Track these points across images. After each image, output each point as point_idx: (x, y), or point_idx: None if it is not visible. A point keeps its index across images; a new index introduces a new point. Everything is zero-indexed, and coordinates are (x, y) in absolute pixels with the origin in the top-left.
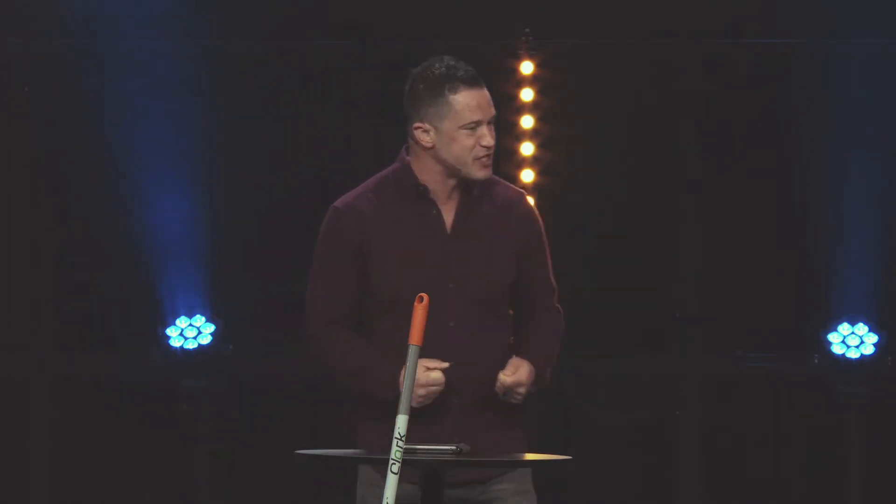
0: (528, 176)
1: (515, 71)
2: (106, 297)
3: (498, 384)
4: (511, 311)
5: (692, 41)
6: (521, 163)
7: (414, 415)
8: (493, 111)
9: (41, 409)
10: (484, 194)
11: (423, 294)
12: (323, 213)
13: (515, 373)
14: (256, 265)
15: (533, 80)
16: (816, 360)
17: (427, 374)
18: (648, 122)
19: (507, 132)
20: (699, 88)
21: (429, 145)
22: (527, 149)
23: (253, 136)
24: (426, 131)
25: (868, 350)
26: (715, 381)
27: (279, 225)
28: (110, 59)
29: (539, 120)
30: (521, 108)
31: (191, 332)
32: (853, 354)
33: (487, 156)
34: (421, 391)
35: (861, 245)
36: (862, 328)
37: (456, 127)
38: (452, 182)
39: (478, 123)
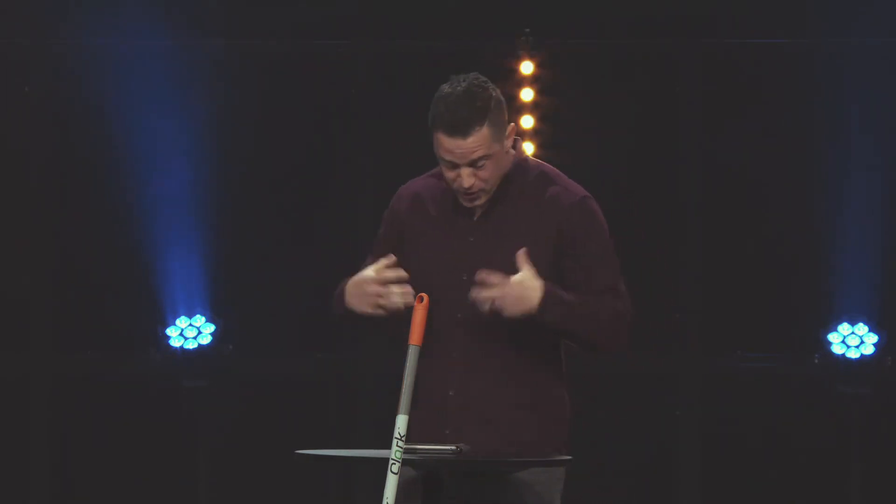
0: None
1: (515, 71)
2: (106, 298)
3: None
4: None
5: (692, 41)
6: None
7: (412, 409)
8: (475, 155)
9: (41, 409)
10: (530, 193)
11: (422, 294)
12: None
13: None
14: (256, 266)
15: (533, 80)
16: (816, 360)
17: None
18: (648, 122)
19: None
20: (699, 88)
21: None
22: (527, 148)
23: (254, 136)
24: None
25: (868, 350)
26: (715, 381)
27: (279, 225)
28: (110, 60)
29: (539, 120)
30: (521, 108)
31: (191, 332)
32: (853, 354)
33: (467, 194)
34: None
35: (861, 245)
36: (862, 328)
37: (439, 156)
38: None
39: (451, 162)
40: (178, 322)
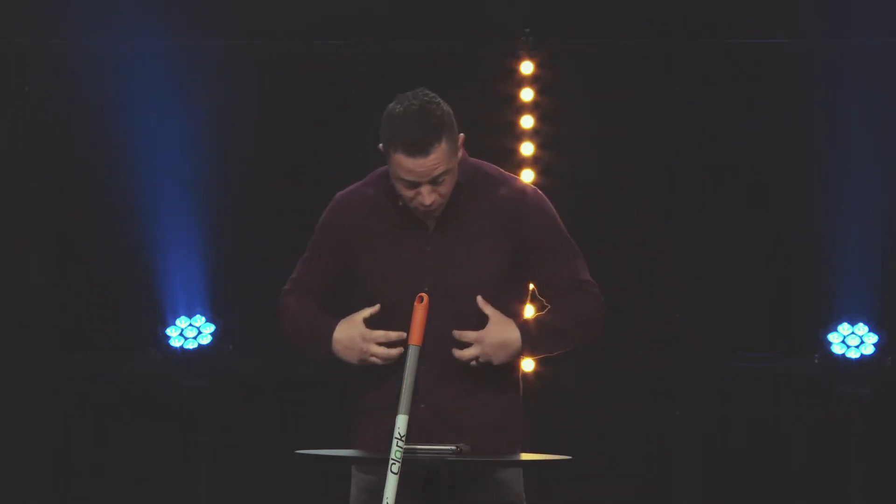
0: (528, 176)
1: (515, 71)
2: (106, 298)
3: (455, 334)
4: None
5: (692, 41)
6: (521, 163)
7: (383, 416)
8: (436, 172)
9: (41, 409)
10: (478, 195)
11: (422, 294)
12: (323, 213)
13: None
14: (256, 265)
15: (533, 81)
16: (816, 360)
17: (383, 350)
18: (648, 122)
19: (506, 132)
20: (699, 88)
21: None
22: (527, 149)
23: (254, 136)
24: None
25: (868, 350)
26: (715, 381)
27: (279, 225)
28: (110, 60)
29: (539, 120)
30: (521, 108)
31: (191, 332)
32: (853, 354)
33: (426, 210)
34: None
35: (861, 245)
36: (862, 328)
37: (395, 177)
38: None
39: (414, 184)
40: (178, 322)
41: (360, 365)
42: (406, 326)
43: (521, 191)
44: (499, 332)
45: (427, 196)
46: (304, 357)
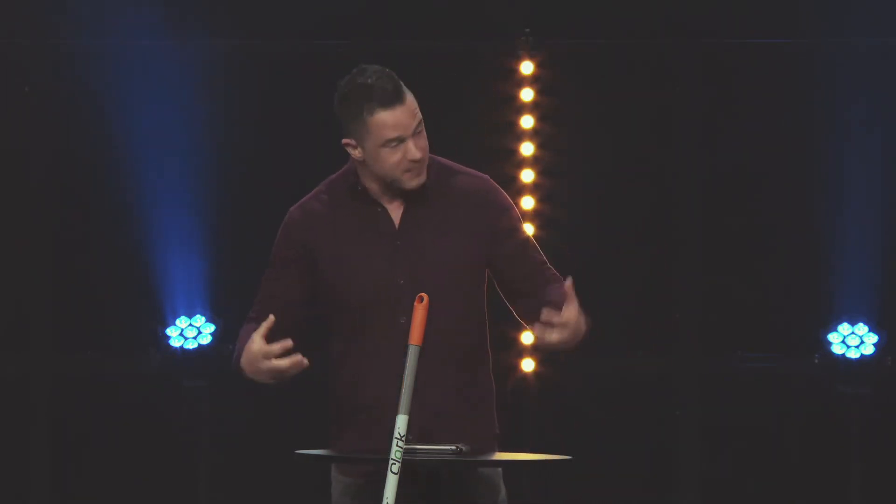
0: (528, 176)
1: (515, 71)
2: (106, 298)
3: (543, 316)
4: (483, 313)
5: (692, 41)
6: (521, 163)
7: (366, 414)
8: (415, 121)
9: (41, 409)
10: (438, 187)
11: (422, 294)
12: (278, 231)
13: (566, 311)
14: (257, 265)
15: (533, 81)
16: (816, 360)
17: (273, 363)
18: (648, 122)
19: (507, 132)
20: (699, 88)
21: (360, 159)
22: (527, 149)
23: (253, 135)
24: (354, 147)
25: (868, 350)
26: (715, 381)
27: (279, 225)
28: (110, 60)
29: (539, 120)
30: (521, 108)
31: (191, 332)
32: (853, 354)
33: (417, 167)
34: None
35: (861, 245)
36: (862, 328)
37: (378, 146)
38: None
39: (397, 139)
40: (178, 322)
41: (277, 382)
42: (382, 327)
43: (482, 179)
44: (578, 323)
45: (414, 148)
46: (304, 356)
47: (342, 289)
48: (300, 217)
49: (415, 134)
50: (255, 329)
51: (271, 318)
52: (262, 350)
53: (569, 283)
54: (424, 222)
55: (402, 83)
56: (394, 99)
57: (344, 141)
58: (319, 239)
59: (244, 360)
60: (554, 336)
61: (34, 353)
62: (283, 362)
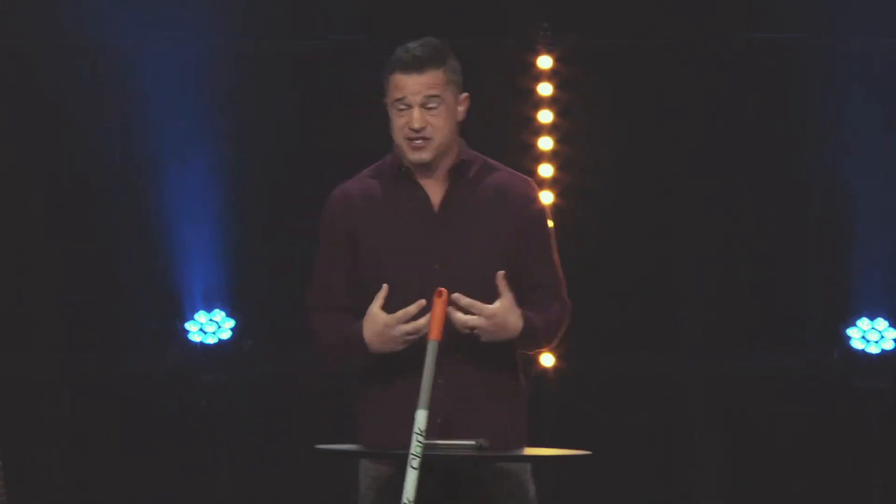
0: (546, 170)
1: (533, 65)
2: (125, 293)
3: (464, 301)
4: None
5: (711, 38)
6: (540, 157)
7: (397, 399)
8: (428, 93)
9: (58, 406)
10: (479, 178)
11: (441, 289)
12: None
13: (494, 305)
14: (275, 260)
15: (551, 75)
16: (836, 355)
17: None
18: (666, 117)
19: (525, 127)
20: (716, 85)
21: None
22: (545, 143)
23: (270, 131)
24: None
25: (888, 345)
26: (734, 376)
27: (298, 220)
28: (110, 60)
29: (557, 115)
30: (540, 103)
31: (210, 327)
32: (873, 349)
33: (418, 138)
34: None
35: (880, 240)
36: (881, 323)
37: (389, 105)
38: (440, 164)
39: (404, 102)
40: (197, 317)
41: (406, 346)
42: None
43: (523, 179)
44: (505, 316)
45: (416, 119)
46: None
47: (384, 266)
48: (341, 200)
49: (424, 106)
50: (339, 319)
51: (385, 287)
52: (395, 316)
53: (500, 275)
54: (462, 210)
55: (437, 56)
56: (412, 66)
57: (384, 100)
58: (361, 219)
59: (369, 334)
60: (470, 321)
61: (52, 350)
62: (421, 321)
